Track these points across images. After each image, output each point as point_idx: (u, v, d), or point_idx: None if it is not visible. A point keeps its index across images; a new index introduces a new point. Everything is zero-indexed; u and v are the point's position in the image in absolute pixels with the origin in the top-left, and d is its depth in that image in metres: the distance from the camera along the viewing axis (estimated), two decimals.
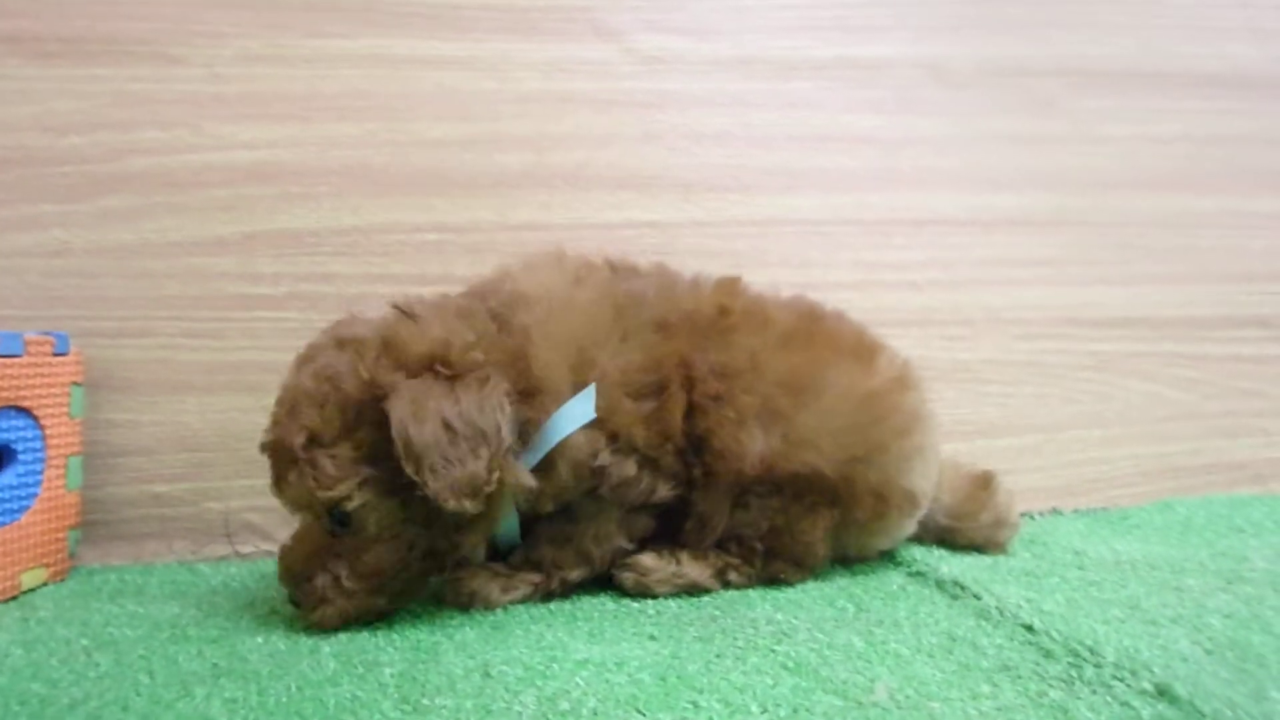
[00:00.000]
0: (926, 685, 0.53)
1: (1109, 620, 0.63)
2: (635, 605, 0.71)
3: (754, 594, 0.73)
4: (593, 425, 0.67)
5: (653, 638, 0.63)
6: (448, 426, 0.59)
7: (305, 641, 0.62)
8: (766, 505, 0.73)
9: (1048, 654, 0.57)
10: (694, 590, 0.73)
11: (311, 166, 0.91)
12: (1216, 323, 1.04)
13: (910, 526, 0.80)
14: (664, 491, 0.71)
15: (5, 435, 0.74)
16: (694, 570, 0.73)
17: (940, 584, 0.73)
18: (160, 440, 0.89)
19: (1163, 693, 0.51)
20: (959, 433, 1.00)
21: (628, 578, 0.73)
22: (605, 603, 0.71)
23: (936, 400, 0.98)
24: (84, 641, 0.63)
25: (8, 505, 0.74)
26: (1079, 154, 1.03)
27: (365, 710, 0.50)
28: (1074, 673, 0.54)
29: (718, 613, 0.68)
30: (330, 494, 0.61)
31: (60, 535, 0.80)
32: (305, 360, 0.66)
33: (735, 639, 0.61)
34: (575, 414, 0.66)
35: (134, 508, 0.89)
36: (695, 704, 0.50)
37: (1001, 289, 1.01)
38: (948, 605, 0.68)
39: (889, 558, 0.83)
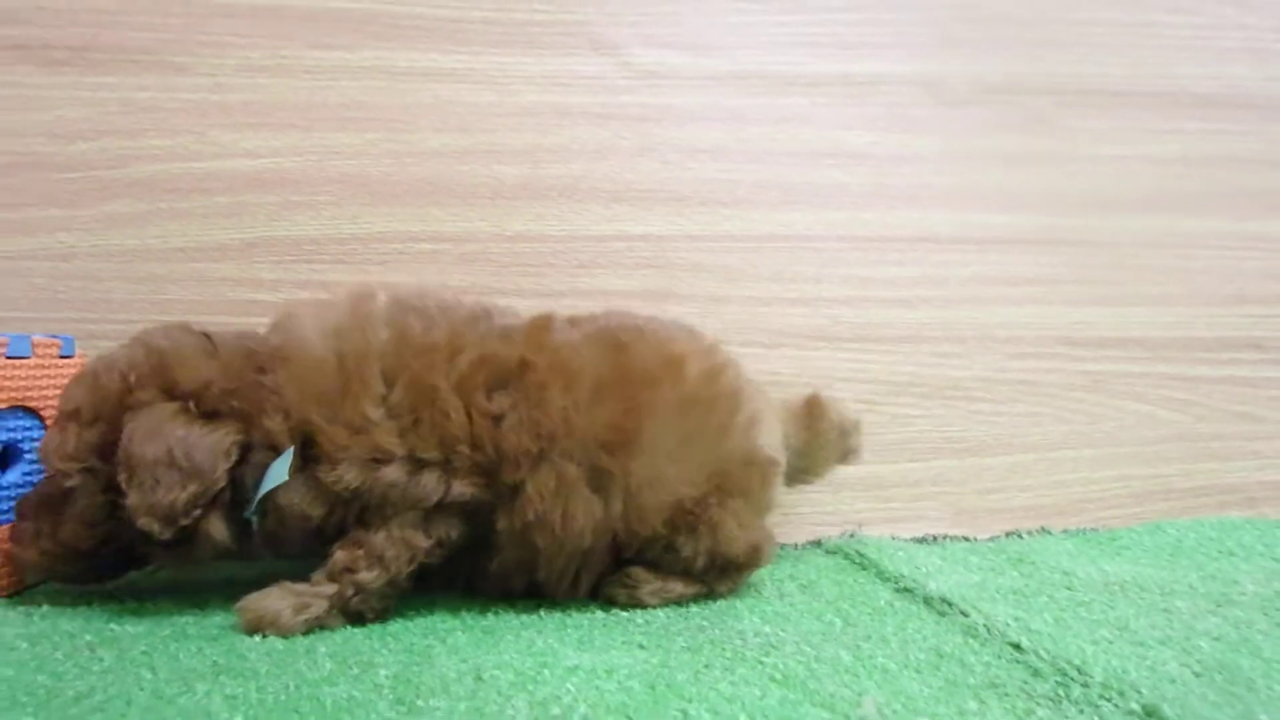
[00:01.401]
0: (914, 700, 0.53)
1: (1097, 640, 0.63)
2: (624, 615, 0.71)
3: (741, 605, 0.74)
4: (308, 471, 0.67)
5: (641, 646, 0.63)
6: (169, 453, 0.64)
7: (302, 642, 0.63)
8: (677, 541, 0.73)
9: (1035, 672, 0.58)
10: (682, 602, 0.74)
11: (312, 175, 0.92)
12: (1210, 345, 1.05)
13: (780, 484, 0.80)
14: (461, 488, 0.68)
15: (12, 435, 0.75)
16: (679, 584, 0.74)
17: (928, 600, 0.74)
18: None
19: (1150, 714, 0.51)
20: (949, 450, 1.00)
21: (619, 593, 0.73)
22: (594, 611, 0.72)
23: (926, 418, 1.00)
24: (87, 636, 0.63)
25: (13, 503, 0.74)
26: (1073, 173, 1.04)
27: (361, 710, 0.51)
28: (1061, 691, 0.55)
29: (705, 624, 0.69)
30: (58, 465, 0.67)
31: None
32: (130, 341, 0.71)
33: (723, 650, 0.62)
34: (276, 473, 0.66)
35: None
36: (685, 712, 0.51)
37: (994, 307, 1.01)
38: (935, 622, 0.69)
39: (876, 573, 0.83)
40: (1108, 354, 1.03)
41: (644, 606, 0.73)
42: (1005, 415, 1.01)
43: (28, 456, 0.77)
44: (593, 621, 0.69)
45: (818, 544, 0.97)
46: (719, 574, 0.75)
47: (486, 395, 0.69)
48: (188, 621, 0.67)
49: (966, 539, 0.99)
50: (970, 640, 0.64)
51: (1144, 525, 1.00)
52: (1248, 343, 1.05)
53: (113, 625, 0.66)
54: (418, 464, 0.67)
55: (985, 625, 0.66)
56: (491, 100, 0.95)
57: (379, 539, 0.67)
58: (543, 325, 0.74)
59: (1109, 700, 0.53)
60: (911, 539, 0.97)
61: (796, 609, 0.73)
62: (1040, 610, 0.71)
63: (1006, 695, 0.54)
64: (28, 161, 0.88)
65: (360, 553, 0.67)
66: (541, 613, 0.71)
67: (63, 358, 0.80)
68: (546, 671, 0.57)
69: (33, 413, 0.77)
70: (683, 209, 0.97)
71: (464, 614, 0.71)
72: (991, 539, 0.99)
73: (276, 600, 0.65)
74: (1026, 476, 1.01)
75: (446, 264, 0.94)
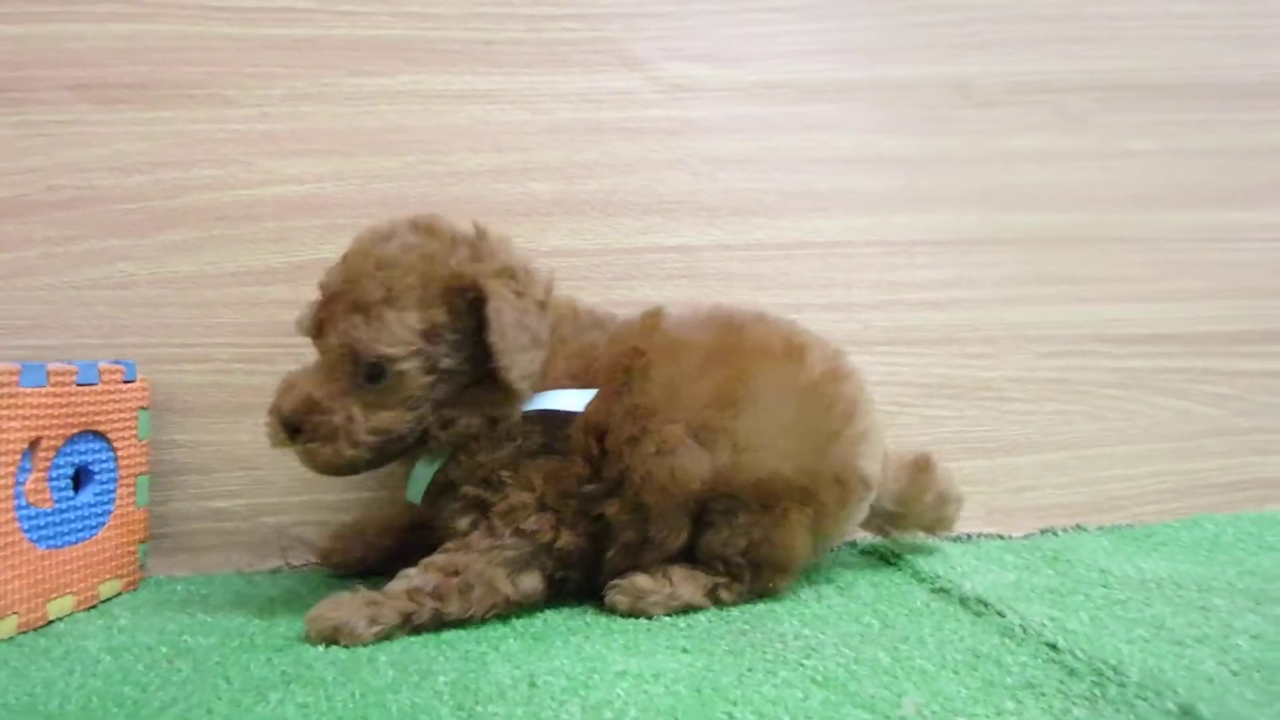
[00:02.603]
0: (952, 701, 0.55)
1: (1133, 639, 0.64)
2: (667, 620, 0.74)
3: (780, 608, 0.76)
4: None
5: (685, 650, 0.66)
6: (525, 328, 0.71)
7: (363, 650, 0.66)
8: (735, 523, 0.75)
9: (1072, 672, 0.59)
10: (688, 610, 0.75)
11: (354, 199, 0.96)
12: (1249, 338, 1.05)
13: (865, 510, 0.83)
14: (566, 540, 0.74)
15: (84, 457, 0.80)
16: (686, 590, 0.75)
17: (964, 601, 0.75)
18: (218, 459, 0.94)
19: (1187, 713, 0.52)
20: (981, 450, 1.02)
21: (621, 600, 0.75)
22: (637, 622, 0.74)
23: (959, 419, 1.02)
24: (164, 649, 0.67)
25: (87, 522, 0.79)
26: (1109, 169, 1.04)
27: (425, 715, 0.54)
28: (1098, 691, 0.56)
29: (747, 627, 0.71)
30: (388, 350, 0.69)
31: (131, 549, 0.86)
32: (384, 235, 0.74)
33: (765, 653, 0.64)
34: (569, 398, 0.74)
35: (195, 522, 0.94)
36: (730, 715, 0.53)
37: (1026, 307, 1.02)
38: (971, 622, 0.70)
39: (912, 574, 0.85)
40: (1144, 350, 1.03)
41: (648, 616, 0.74)
42: (1037, 414, 1.02)
43: (98, 478, 0.81)
44: (637, 626, 0.72)
45: (852, 544, 0.98)
46: (747, 570, 0.76)
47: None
48: (255, 632, 0.71)
49: (1001, 537, 1.00)
50: (1007, 640, 0.66)
51: (1181, 521, 1.00)
52: None
53: (186, 638, 0.70)
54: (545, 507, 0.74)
55: (1021, 625, 0.68)
56: (524, 119, 0.98)
57: (472, 576, 0.71)
58: (654, 313, 0.80)
59: (1145, 700, 0.54)
60: (946, 538, 0.99)
61: (834, 611, 0.75)
62: (1076, 609, 0.72)
63: (1043, 695, 0.56)
64: (89, 195, 0.93)
65: (454, 583, 0.71)
66: (588, 618, 0.74)
67: (125, 383, 0.84)
68: (596, 677, 0.60)
69: (102, 436, 0.81)
70: (713, 219, 1.00)
71: (514, 621, 0.73)
72: (1026, 536, 0.99)
73: (350, 611, 0.68)
74: (1060, 474, 1.02)
75: None
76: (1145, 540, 0.95)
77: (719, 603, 0.77)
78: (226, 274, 0.95)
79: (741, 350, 0.77)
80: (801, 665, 0.62)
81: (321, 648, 0.67)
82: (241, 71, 0.94)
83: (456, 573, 0.71)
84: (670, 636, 0.69)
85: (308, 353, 0.93)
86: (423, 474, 0.77)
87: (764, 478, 0.74)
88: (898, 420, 0.99)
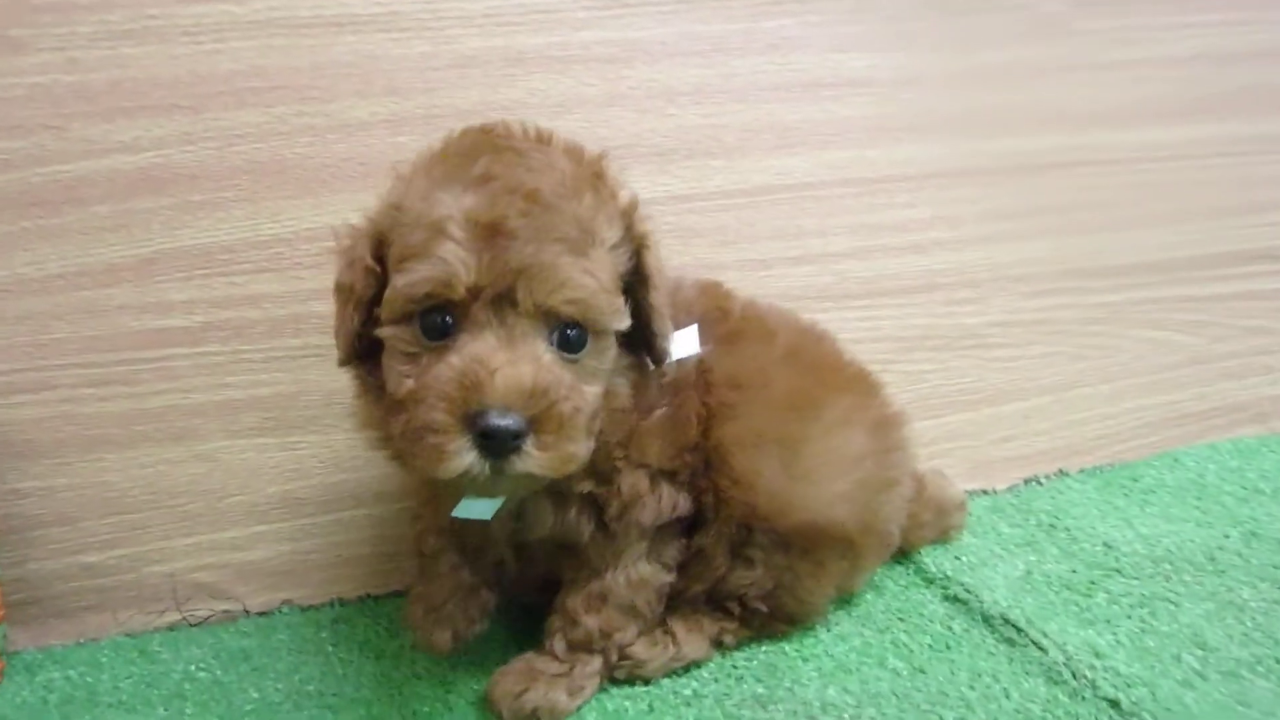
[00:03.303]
0: None
1: (1189, 680, 0.59)
2: (668, 691, 0.64)
3: (790, 652, 0.67)
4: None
5: None
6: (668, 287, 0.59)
7: None
8: (773, 561, 0.65)
9: None
10: (690, 667, 0.67)
11: (211, 168, 0.75)
12: (1224, 260, 0.99)
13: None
14: (684, 505, 0.62)
15: None
16: (690, 647, 0.66)
17: (989, 621, 0.68)
18: (81, 506, 0.77)
19: None
20: (963, 402, 0.94)
21: (620, 671, 0.65)
22: (637, 688, 0.65)
23: (942, 371, 0.94)
24: None
25: None
26: (1086, 83, 0.93)
27: None
28: None
29: (762, 690, 0.63)
30: (613, 300, 0.52)
31: None
32: (523, 156, 0.53)
33: None
34: (684, 341, 0.60)
35: (65, 582, 0.77)
36: None
37: (1008, 244, 0.92)
38: (1008, 659, 0.64)
39: (917, 573, 0.78)
40: (1125, 281, 0.97)
41: (646, 680, 0.65)
42: (1021, 359, 0.95)
43: None
44: (638, 710, 0.62)
45: None
46: (760, 617, 0.68)
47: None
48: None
49: (985, 492, 0.94)
50: (1058, 694, 0.59)
51: (1160, 458, 0.97)
52: (1262, 254, 1.00)
53: None
54: (659, 474, 0.61)
55: (1067, 666, 0.61)
56: (424, 52, 0.77)
57: (621, 588, 0.62)
58: (717, 283, 0.69)
59: None
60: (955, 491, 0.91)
61: (853, 650, 0.67)
62: (1108, 628, 0.66)
63: None
64: None
65: (613, 611, 0.62)
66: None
67: None
68: None
69: None
70: (666, 165, 0.84)
71: None
72: (1010, 489, 0.94)
73: (547, 688, 0.60)
74: (1043, 420, 0.97)
75: None
76: (1132, 488, 0.92)
77: (721, 648, 0.68)
78: (53, 276, 0.74)
79: (823, 361, 0.68)
80: None
81: None
82: (27, 4, 0.70)
83: (604, 597, 0.62)
84: (683, 708, 0.60)
85: (176, 365, 0.77)
86: None
87: (820, 524, 0.63)
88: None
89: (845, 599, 0.74)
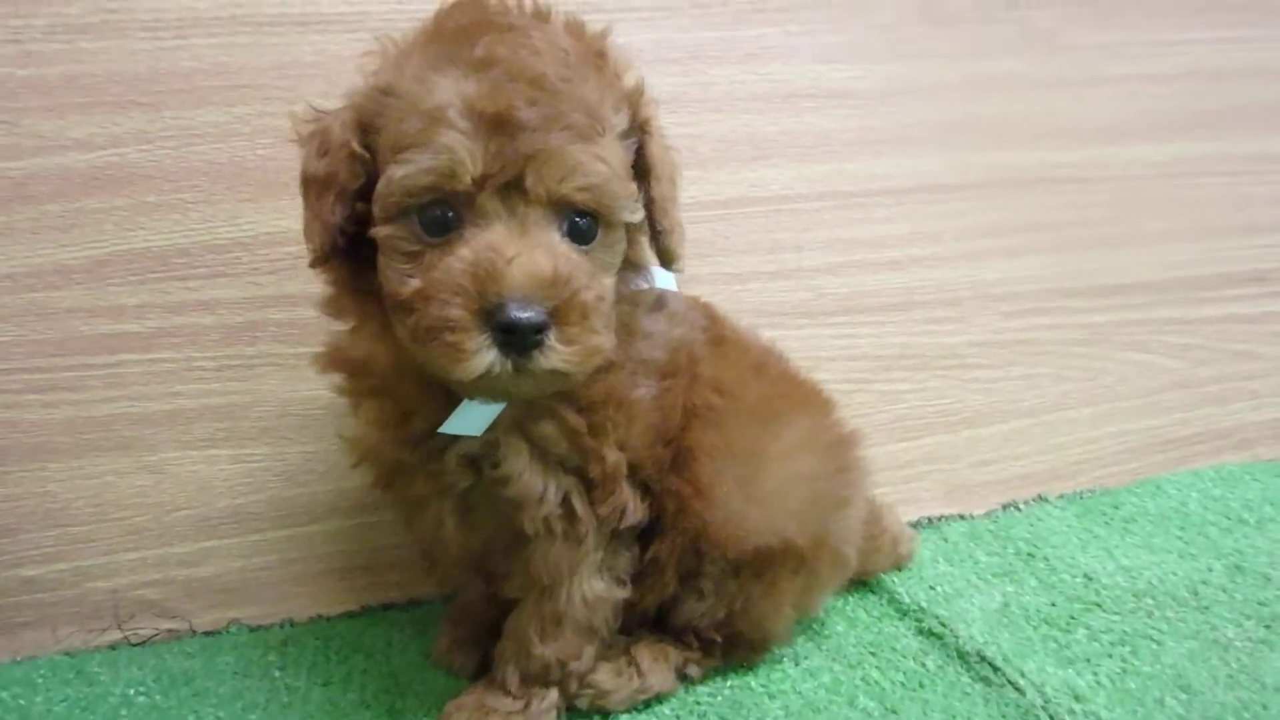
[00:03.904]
0: None
1: None
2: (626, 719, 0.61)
3: (756, 686, 0.64)
4: None
5: None
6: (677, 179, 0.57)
7: None
8: (724, 590, 0.62)
9: None
10: (654, 701, 0.63)
11: (168, 168, 0.72)
12: (1213, 282, 0.97)
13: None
14: (639, 513, 0.59)
15: None
16: (656, 679, 0.63)
17: (964, 658, 0.66)
18: (22, 517, 0.74)
19: None
20: (943, 424, 0.92)
21: (582, 700, 0.62)
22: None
23: (919, 391, 0.91)
24: None
25: None
26: (1077, 98, 0.91)
27: None
28: None
29: None
30: (626, 185, 0.50)
31: None
32: (519, 33, 0.48)
33: None
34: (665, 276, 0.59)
35: (3, 596, 0.74)
36: None
37: (991, 262, 0.90)
38: (984, 702, 0.61)
39: (890, 602, 0.75)
40: (1110, 302, 0.95)
41: (607, 714, 0.62)
42: (1002, 380, 0.93)
43: None
44: None
45: None
46: (720, 647, 0.65)
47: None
48: None
49: (962, 517, 0.92)
50: None
51: (1142, 485, 0.95)
52: (1251, 276, 0.98)
53: None
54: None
55: (1045, 710, 0.59)
56: None
57: (577, 606, 0.58)
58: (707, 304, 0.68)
59: None
60: (906, 524, 0.89)
61: (822, 686, 0.64)
62: (1090, 667, 0.64)
63: None
64: None
65: (569, 635, 0.58)
66: None
67: None
68: None
69: None
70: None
71: None
72: (988, 514, 0.92)
73: None
74: (1023, 443, 0.94)
75: None
76: (1113, 514, 0.89)
77: (686, 680, 0.65)
78: (0, 277, 0.71)
79: (785, 376, 0.66)
80: None
81: None
82: None
83: (559, 620, 0.58)
84: None
85: (126, 372, 0.74)
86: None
87: (766, 543, 0.60)
88: (854, 399, 0.87)
89: (816, 630, 0.71)
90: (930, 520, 0.91)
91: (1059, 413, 0.95)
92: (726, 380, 0.62)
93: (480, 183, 0.46)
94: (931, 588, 0.76)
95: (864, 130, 0.86)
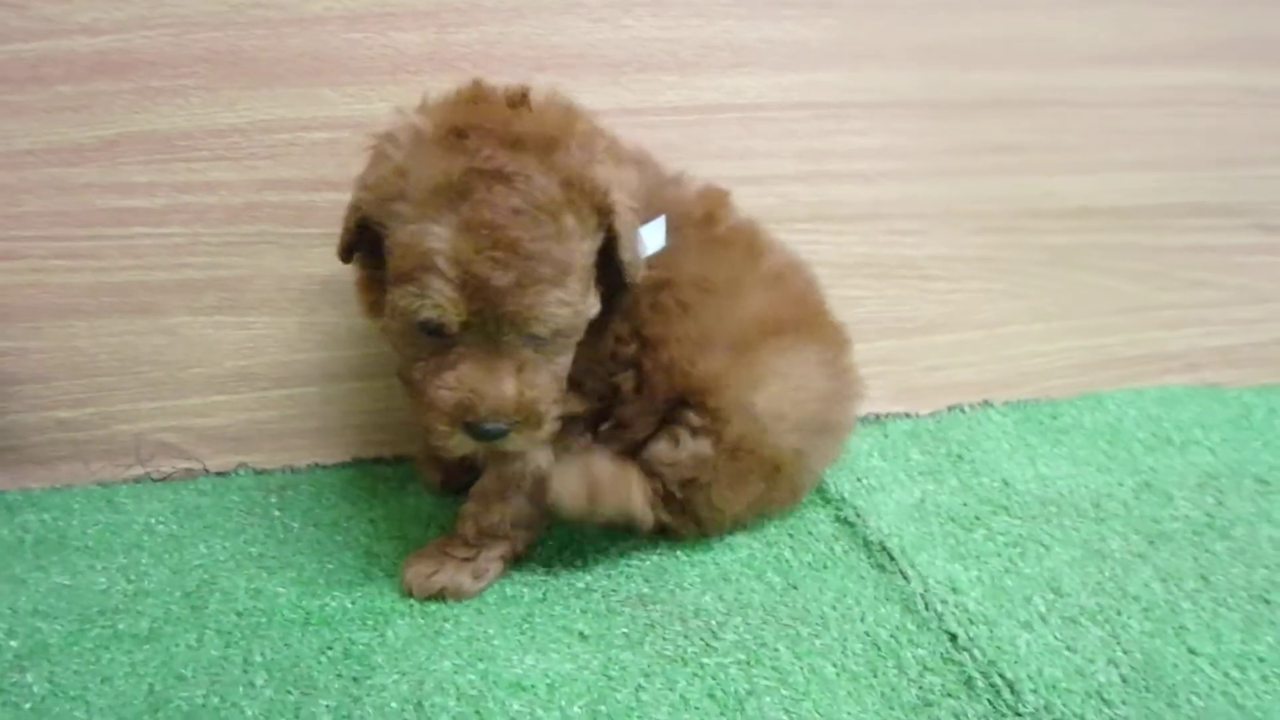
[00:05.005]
0: None
1: (1030, 622, 0.64)
2: (563, 582, 0.70)
3: (683, 557, 0.73)
4: None
5: (583, 636, 0.64)
6: (639, 227, 0.65)
7: (235, 652, 0.62)
8: (699, 449, 0.69)
9: (969, 683, 0.59)
10: (587, 562, 0.73)
11: (170, 55, 0.76)
12: (1181, 211, 0.98)
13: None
14: (574, 406, 0.68)
15: None
16: (639, 496, 0.70)
17: (868, 546, 0.74)
18: (53, 367, 0.83)
19: None
20: (896, 330, 0.97)
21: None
22: (535, 576, 0.71)
23: (877, 299, 0.96)
24: (13, 644, 0.62)
25: None
26: (1067, 19, 0.90)
27: None
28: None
29: (647, 589, 0.69)
30: (582, 311, 0.61)
31: None
32: (505, 179, 0.57)
33: (663, 647, 0.63)
34: (649, 234, 0.66)
35: (41, 434, 0.84)
36: None
37: (959, 180, 0.92)
38: (874, 585, 0.69)
39: (816, 490, 0.82)
40: (1075, 225, 0.97)
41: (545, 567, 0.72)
42: (959, 293, 0.97)
43: None
44: (533, 598, 0.69)
45: None
46: (674, 507, 0.71)
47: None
48: (116, 607, 0.66)
49: (908, 415, 0.98)
50: (908, 624, 0.65)
51: (1083, 398, 1.00)
52: (1221, 209, 0.99)
53: (38, 622, 0.64)
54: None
55: (923, 598, 0.67)
56: None
57: (527, 481, 0.69)
58: (723, 193, 0.74)
59: None
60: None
61: (738, 560, 0.73)
62: (975, 564, 0.71)
63: None
64: None
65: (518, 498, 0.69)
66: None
67: None
68: (489, 700, 0.57)
69: None
70: (618, 77, 0.84)
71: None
72: (933, 414, 0.98)
73: (455, 572, 0.68)
74: (973, 353, 0.99)
75: (346, 155, 0.80)
76: (1049, 426, 0.95)
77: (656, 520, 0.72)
78: (20, 151, 0.77)
79: (805, 298, 0.75)
80: (700, 669, 0.60)
81: (193, 639, 0.63)
82: None
83: (516, 485, 0.69)
84: (568, 610, 0.67)
85: (140, 244, 0.81)
86: None
87: (755, 441, 0.69)
88: None
89: None
90: (877, 417, 0.97)
91: (1011, 326, 0.99)
92: (714, 279, 0.69)
93: (464, 324, 0.58)
94: (859, 480, 0.83)
95: (844, 42, 0.87)
